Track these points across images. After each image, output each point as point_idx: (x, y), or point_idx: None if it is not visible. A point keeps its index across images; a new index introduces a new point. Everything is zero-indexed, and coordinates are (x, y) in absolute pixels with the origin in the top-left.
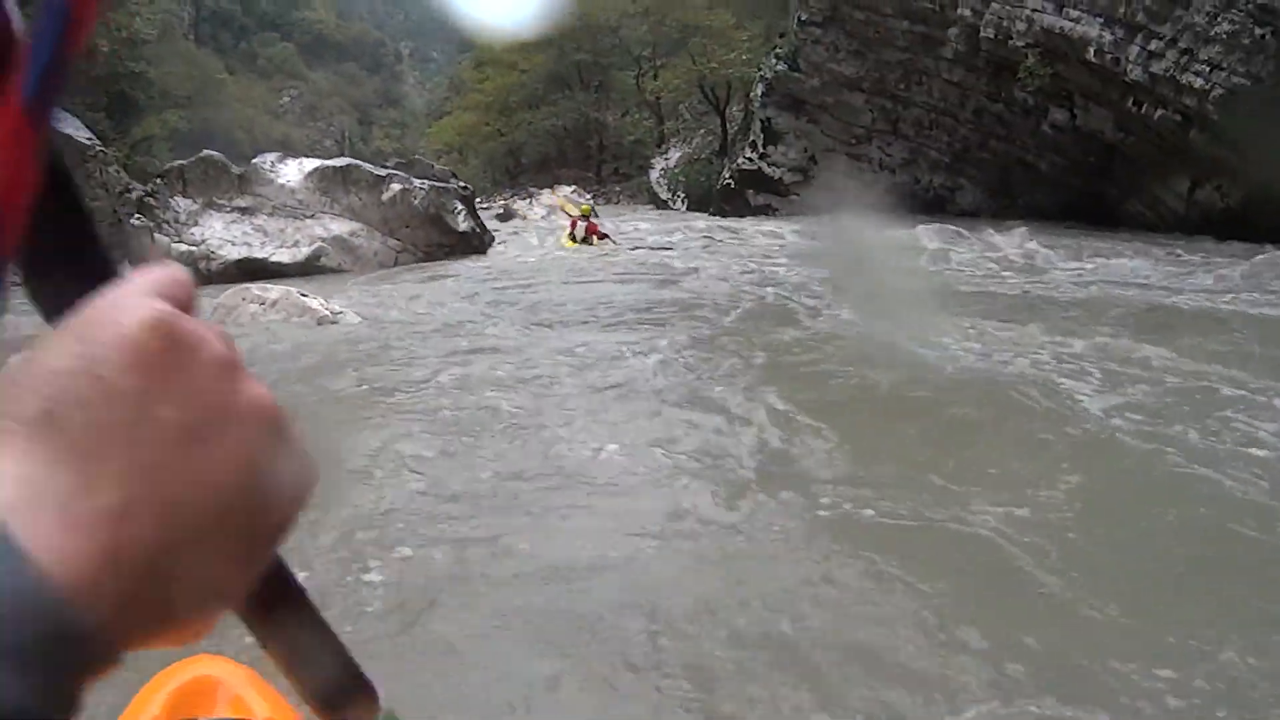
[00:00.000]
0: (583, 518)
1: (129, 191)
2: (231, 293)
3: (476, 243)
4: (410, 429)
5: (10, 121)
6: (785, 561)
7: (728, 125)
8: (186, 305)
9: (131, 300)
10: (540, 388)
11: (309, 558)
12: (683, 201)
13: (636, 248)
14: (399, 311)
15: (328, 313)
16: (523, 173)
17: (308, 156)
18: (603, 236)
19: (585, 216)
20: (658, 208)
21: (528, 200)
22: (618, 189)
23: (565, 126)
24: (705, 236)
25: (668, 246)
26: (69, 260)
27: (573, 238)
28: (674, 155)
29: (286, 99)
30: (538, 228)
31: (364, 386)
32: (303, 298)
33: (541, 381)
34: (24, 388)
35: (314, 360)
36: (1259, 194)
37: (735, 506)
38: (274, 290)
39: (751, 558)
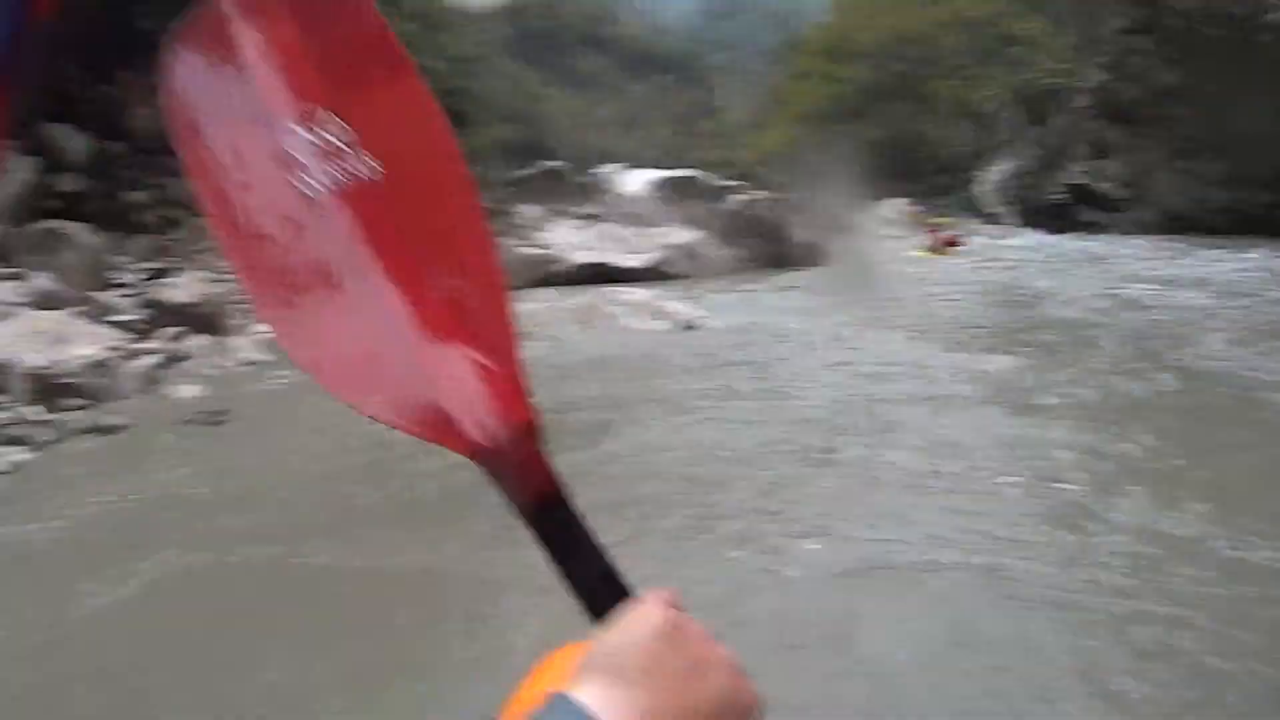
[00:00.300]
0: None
1: None
2: (593, 295)
3: (817, 253)
4: (810, 433)
5: None
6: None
7: (1051, 137)
8: (678, 605)
9: (653, 607)
10: (942, 406)
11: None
12: (1013, 216)
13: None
14: (758, 318)
15: (690, 317)
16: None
17: (631, 167)
18: (954, 244)
19: (942, 228)
20: (985, 221)
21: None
22: (942, 202)
23: (886, 138)
24: (1056, 253)
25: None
26: (610, 589)
27: (935, 251)
28: (997, 167)
29: (605, 112)
30: (874, 240)
31: (756, 385)
32: (662, 302)
33: (943, 400)
34: (601, 651)
35: (694, 361)
36: None
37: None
38: (636, 293)
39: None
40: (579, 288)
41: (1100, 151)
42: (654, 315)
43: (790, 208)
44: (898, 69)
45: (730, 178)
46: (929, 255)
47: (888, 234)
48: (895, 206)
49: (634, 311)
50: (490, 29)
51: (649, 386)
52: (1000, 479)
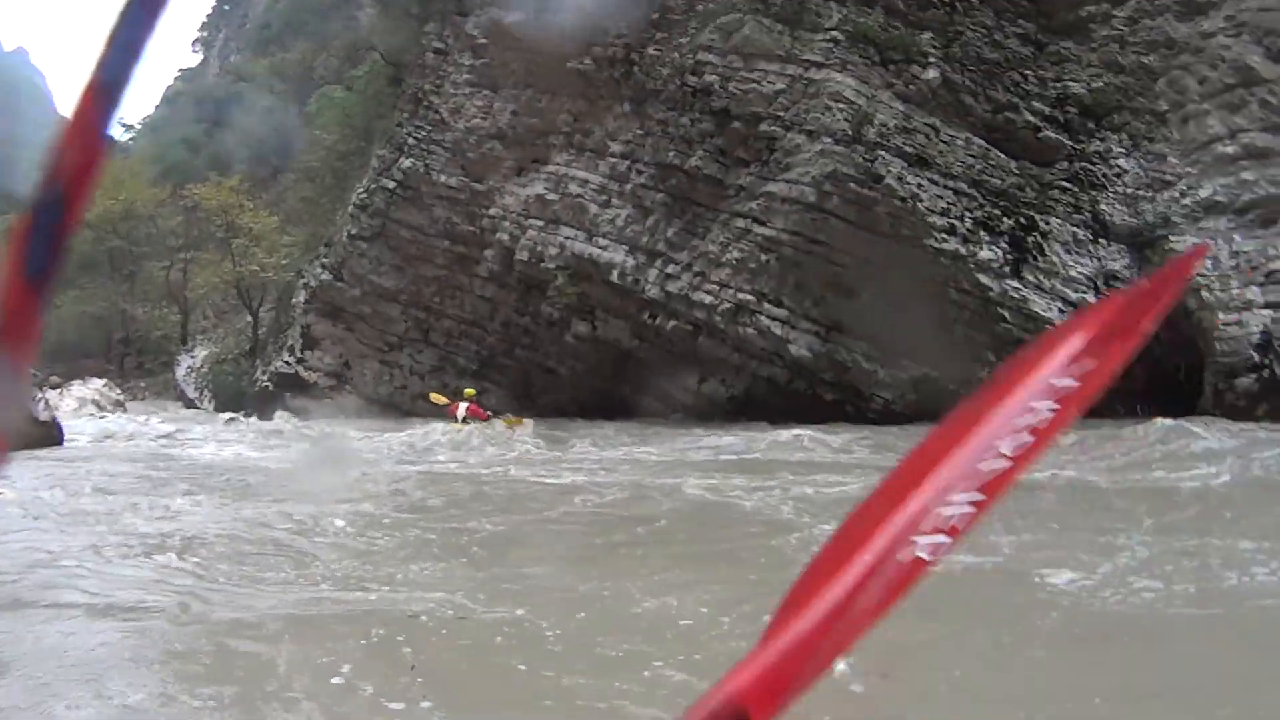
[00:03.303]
0: None
1: None
2: None
3: (55, 434)
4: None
5: (84, 105)
6: None
7: (261, 327)
8: None
9: None
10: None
11: None
12: (210, 401)
13: None
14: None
15: None
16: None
17: None
18: (488, 417)
19: (470, 399)
20: (186, 406)
21: (58, 391)
22: (142, 384)
23: (90, 314)
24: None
25: None
26: None
27: (463, 420)
28: (200, 353)
29: None
30: (88, 418)
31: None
32: None
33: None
34: None
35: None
36: (759, 385)
37: None
38: None
39: None
40: None
41: (311, 344)
42: None
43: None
44: (113, 244)
45: None
46: (461, 427)
47: (79, 416)
48: (94, 386)
49: None
50: None
51: None
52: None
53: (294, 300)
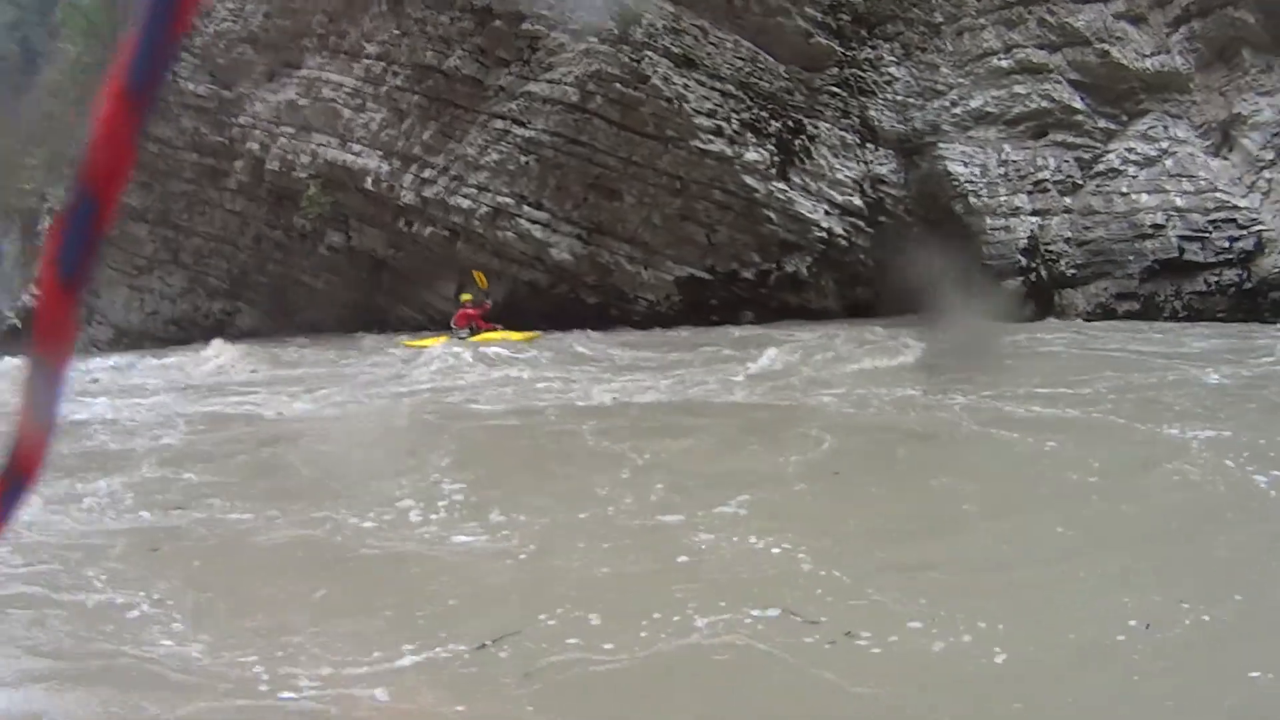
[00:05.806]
0: None
1: None
2: None
3: None
4: None
5: (114, 108)
6: None
7: (2, 260)
8: None
9: None
10: None
11: None
12: None
13: None
14: None
15: None
16: None
17: None
18: (466, 329)
19: (465, 304)
20: None
21: None
22: None
23: None
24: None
25: None
26: None
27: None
28: None
29: None
30: None
31: None
32: None
33: None
34: None
35: None
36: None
37: None
38: None
39: None
40: None
41: None
42: None
43: None
44: None
45: None
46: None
47: None
48: None
49: None
50: None
51: None
52: None
53: (38, 227)
